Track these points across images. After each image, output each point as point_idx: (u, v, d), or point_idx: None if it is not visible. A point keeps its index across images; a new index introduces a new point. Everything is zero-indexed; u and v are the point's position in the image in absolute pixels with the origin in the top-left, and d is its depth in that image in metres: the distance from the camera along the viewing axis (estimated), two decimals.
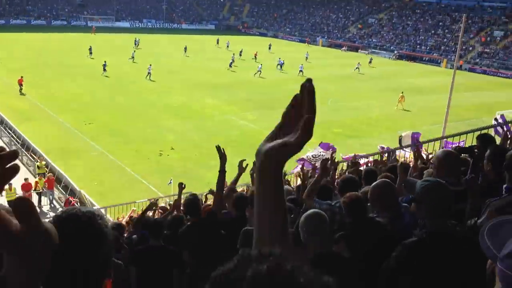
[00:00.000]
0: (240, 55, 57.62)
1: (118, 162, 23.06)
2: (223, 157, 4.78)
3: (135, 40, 63.93)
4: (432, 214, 3.08)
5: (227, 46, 66.58)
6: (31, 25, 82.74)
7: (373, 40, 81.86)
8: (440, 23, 78.64)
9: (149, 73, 42.05)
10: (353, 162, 10.12)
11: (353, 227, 3.77)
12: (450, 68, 53.55)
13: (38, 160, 21.73)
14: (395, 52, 73.79)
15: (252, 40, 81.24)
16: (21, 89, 34.73)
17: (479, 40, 70.71)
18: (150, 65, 42.67)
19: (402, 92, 37.05)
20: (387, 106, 37.19)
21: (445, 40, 72.87)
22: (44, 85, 35.10)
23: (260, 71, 46.46)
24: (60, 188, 20.27)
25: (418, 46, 75.23)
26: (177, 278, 5.22)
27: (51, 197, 19.86)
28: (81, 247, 1.33)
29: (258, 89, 40.92)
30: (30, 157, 22.99)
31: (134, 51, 55.03)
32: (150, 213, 10.36)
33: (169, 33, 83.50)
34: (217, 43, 69.72)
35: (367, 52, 76.27)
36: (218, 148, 4.79)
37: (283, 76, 47.38)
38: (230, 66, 50.61)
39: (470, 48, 69.35)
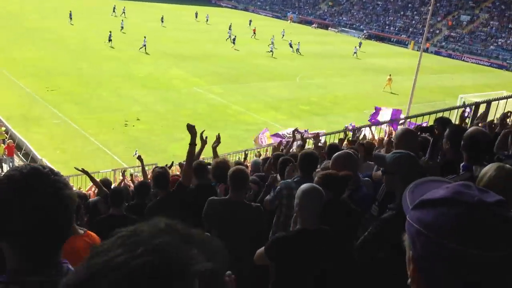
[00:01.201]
0: (230, 29, 54.87)
1: (82, 131, 22.59)
2: (193, 133, 4.74)
3: (123, 9, 61.28)
4: (406, 184, 3.15)
5: (207, 20, 65.07)
6: None
7: (343, 19, 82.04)
8: (410, 5, 79.39)
9: (144, 45, 40.65)
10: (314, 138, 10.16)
11: (326, 208, 3.79)
12: (417, 50, 54.45)
13: None
14: (364, 31, 74.27)
15: (228, 13, 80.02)
16: None
17: (446, 23, 71.94)
18: (145, 37, 41.17)
19: (390, 75, 37.03)
20: (354, 85, 37.64)
21: (413, 22, 73.79)
22: (4, 48, 33.65)
23: (272, 50, 45.78)
24: (20, 156, 19.73)
25: (387, 27, 75.93)
26: None
27: (11, 164, 19.31)
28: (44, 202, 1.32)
29: (225, 63, 40.56)
30: None
31: (122, 20, 52.80)
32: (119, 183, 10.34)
33: (138, 0, 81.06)
34: (196, 16, 67.22)
35: (336, 30, 76.49)
36: (188, 126, 4.72)
37: (254, 49, 47.00)
38: (234, 43, 48.41)
39: (437, 31, 70.52)
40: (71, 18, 50.93)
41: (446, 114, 10.09)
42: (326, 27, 78.46)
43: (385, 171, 3.34)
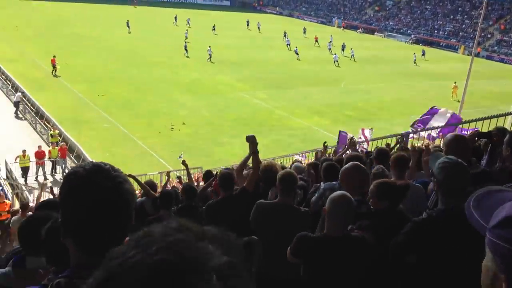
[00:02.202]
0: (285, 37, 55.12)
1: (130, 135, 23.24)
2: (254, 142, 4.97)
3: (187, 20, 62.25)
4: (444, 192, 3.10)
5: (258, 28, 64.34)
6: None
7: (390, 23, 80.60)
8: (460, 9, 77.06)
9: (210, 55, 41.37)
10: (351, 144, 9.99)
11: (381, 217, 3.69)
12: (468, 55, 52.73)
13: (52, 129, 21.96)
14: (412, 36, 72.66)
15: (274, 19, 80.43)
16: (54, 70, 32.37)
17: (498, 27, 69.32)
18: (210, 46, 42.04)
19: (455, 82, 34.91)
20: (401, 90, 36.86)
21: (463, 26, 71.55)
22: (58, 54, 35.13)
23: (337, 60, 45.31)
24: (72, 158, 20.52)
25: (435, 31, 73.98)
26: None
27: (63, 165, 20.12)
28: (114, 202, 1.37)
29: (270, 69, 40.69)
30: (44, 126, 23.22)
31: (187, 30, 53.32)
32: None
33: (183, 7, 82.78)
34: (248, 25, 66.22)
35: (383, 35, 75.23)
36: (248, 137, 4.97)
37: (299, 55, 46.90)
38: (297, 53, 47.49)
39: (489, 36, 68.07)
40: (128, 27, 52.09)
41: (500, 120, 9.72)
42: (372, 32, 77.33)
43: (433, 174, 3.26)
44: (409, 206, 3.98)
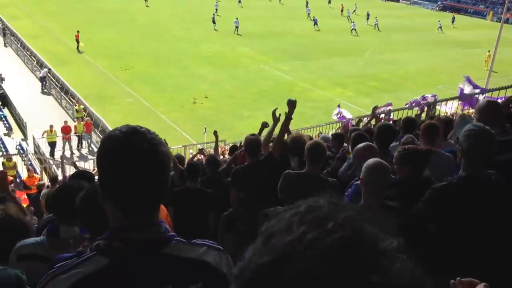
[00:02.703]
0: (307, 7, 53.49)
1: (153, 109, 23.40)
2: (293, 107, 5.27)
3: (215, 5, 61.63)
4: (467, 159, 3.01)
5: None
6: None
7: None
8: None
9: (236, 27, 40.91)
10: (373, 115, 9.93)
11: (407, 185, 3.62)
12: (497, 21, 50.89)
13: (77, 104, 22.28)
14: (439, 2, 70.42)
15: None
16: (78, 46, 32.85)
17: None
18: (237, 18, 41.44)
19: (489, 51, 32.05)
20: (427, 60, 35.98)
21: None
22: (81, 30, 35.31)
23: (354, 28, 44.51)
24: (97, 133, 20.83)
25: None
26: (212, 220, 5.39)
27: (89, 140, 20.47)
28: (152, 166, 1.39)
29: (292, 40, 40.13)
30: (69, 101, 23.57)
31: (217, 2, 51.44)
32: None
33: None
34: None
35: (409, 2, 73.10)
36: (290, 101, 5.27)
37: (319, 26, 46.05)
38: (316, 23, 46.52)
39: None
40: (146, 0, 51.58)
41: None
42: None
43: (458, 140, 3.17)
44: (439, 175, 3.91)
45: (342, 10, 55.38)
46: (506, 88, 9.67)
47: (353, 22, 45.59)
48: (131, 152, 1.36)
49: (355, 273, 0.61)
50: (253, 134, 5.68)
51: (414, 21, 53.59)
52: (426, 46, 41.20)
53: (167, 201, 5.10)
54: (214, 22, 41.76)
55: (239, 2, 55.86)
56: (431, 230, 3.05)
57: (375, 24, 47.80)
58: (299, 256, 0.63)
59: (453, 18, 53.89)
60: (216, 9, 47.46)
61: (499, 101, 7.39)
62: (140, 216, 1.40)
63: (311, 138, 6.56)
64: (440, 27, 49.27)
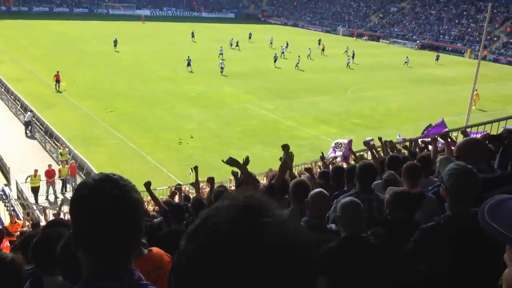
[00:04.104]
0: (287, 47, 55.18)
1: (138, 150, 23.31)
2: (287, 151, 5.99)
3: (192, 33, 61.76)
4: (452, 198, 3.07)
5: (248, 36, 64.31)
6: (54, 12, 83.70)
7: (395, 30, 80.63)
8: (465, 13, 76.97)
9: (222, 68, 41.06)
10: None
11: (397, 227, 3.65)
12: (474, 59, 52.52)
13: (61, 147, 22.09)
14: (417, 42, 72.61)
15: (279, 30, 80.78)
16: (57, 85, 32.70)
17: (504, 30, 69.06)
18: (223, 60, 42.07)
19: (477, 90, 30.74)
20: (408, 97, 36.74)
21: (469, 30, 71.36)
22: (66, 72, 35.48)
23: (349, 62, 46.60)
24: (82, 175, 20.58)
25: (441, 36, 73.85)
26: None
27: (73, 184, 20.18)
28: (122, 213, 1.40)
29: (275, 79, 40.78)
30: (53, 144, 23.38)
31: (221, 47, 50.28)
32: (175, 198, 10.56)
33: (189, 21, 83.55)
34: (250, 37, 64.82)
35: (388, 41, 75.24)
36: (284, 146, 6.04)
37: (304, 66, 46.96)
38: (282, 56, 49.90)
39: (495, 39, 67.81)
40: (115, 45, 50.23)
41: (509, 122, 9.63)
42: (377, 39, 77.41)
43: (442, 180, 3.21)
44: (424, 215, 3.93)
45: (323, 50, 56.74)
46: (485, 124, 9.86)
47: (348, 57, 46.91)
48: (102, 198, 1.37)
49: (252, 217, 0.88)
50: (222, 186, 5.77)
51: (394, 59, 55.00)
52: (406, 83, 42.20)
53: (154, 244, 5.00)
54: (222, 67, 41.30)
55: (237, 45, 56.67)
56: (422, 269, 3.07)
57: (347, 62, 48.73)
58: (218, 215, 0.90)
59: (437, 56, 55.82)
60: (221, 53, 47.42)
61: (478, 135, 7.52)
62: (112, 263, 1.40)
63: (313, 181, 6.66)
64: (407, 62, 51.09)
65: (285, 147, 6.10)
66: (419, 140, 13.44)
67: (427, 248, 3.07)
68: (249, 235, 0.85)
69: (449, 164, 3.21)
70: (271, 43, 57.84)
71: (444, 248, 2.99)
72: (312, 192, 4.03)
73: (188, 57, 41.70)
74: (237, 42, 57.25)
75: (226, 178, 15.97)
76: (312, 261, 0.91)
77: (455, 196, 3.05)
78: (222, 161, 5.37)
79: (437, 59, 55.17)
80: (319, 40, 61.89)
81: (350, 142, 16.51)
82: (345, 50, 54.08)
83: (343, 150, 15.29)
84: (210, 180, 7.36)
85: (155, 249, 3.83)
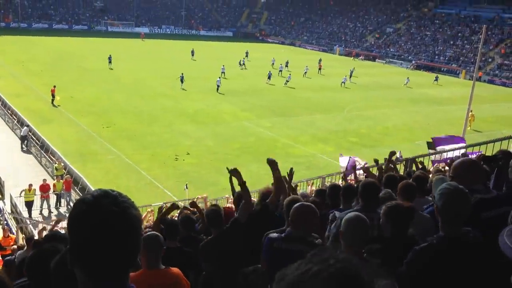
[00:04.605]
0: (287, 65, 56.16)
1: (135, 166, 23.28)
2: (275, 168, 5.52)
3: (192, 51, 62.06)
4: (444, 219, 3.10)
5: (246, 55, 63.84)
6: (53, 29, 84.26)
7: (391, 50, 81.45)
8: (459, 34, 77.93)
9: (218, 86, 41.15)
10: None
11: (394, 243, 3.64)
12: (469, 79, 53.08)
13: (57, 162, 22.05)
14: (413, 62, 73.33)
15: (277, 49, 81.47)
16: (53, 100, 33.16)
17: (499, 51, 69.88)
18: (219, 78, 42.18)
19: (472, 111, 31.12)
20: (405, 116, 36.96)
21: (464, 51, 72.20)
22: (64, 88, 35.59)
23: (288, 80, 46.43)
24: (77, 190, 20.51)
25: (436, 57, 74.62)
26: (193, 280, 5.25)
27: (68, 198, 20.10)
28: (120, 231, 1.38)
29: (273, 97, 41.00)
30: (49, 159, 23.33)
31: (223, 65, 50.23)
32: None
33: (188, 39, 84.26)
34: (246, 56, 63.80)
35: (384, 61, 75.96)
36: (269, 161, 5.54)
37: (305, 84, 47.26)
38: (279, 74, 50.87)
39: (490, 60, 68.56)
40: (110, 62, 49.82)
41: (504, 144, 9.69)
42: (373, 58, 78.15)
43: (434, 202, 3.26)
44: (420, 234, 3.94)
45: (320, 69, 57.17)
46: (480, 144, 9.92)
47: (344, 77, 47.76)
48: (100, 215, 1.36)
49: None
50: (214, 205, 5.72)
51: (390, 79, 55.47)
52: (402, 102, 42.50)
53: None
54: (182, 81, 41.23)
55: (243, 64, 57.06)
56: None
57: (343, 82, 49.01)
58: (306, 284, 0.81)
59: (436, 77, 56.36)
60: (223, 72, 47.76)
61: (473, 156, 7.57)
62: (109, 280, 1.39)
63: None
64: (407, 82, 51.59)
65: (271, 163, 5.55)
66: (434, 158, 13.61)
67: (419, 270, 3.06)
68: None
69: (442, 184, 3.25)
70: (272, 63, 57.56)
71: (437, 269, 3.00)
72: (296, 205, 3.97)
73: (182, 74, 41.73)
74: (243, 60, 57.76)
75: (222, 195, 15.93)
76: None
77: (446, 216, 3.08)
78: (227, 168, 5.36)
79: (436, 80, 55.79)
80: (320, 60, 61.76)
81: (353, 161, 16.59)
82: (350, 72, 53.72)
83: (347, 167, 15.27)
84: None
85: (174, 269, 3.92)
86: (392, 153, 8.81)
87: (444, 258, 2.99)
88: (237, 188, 6.28)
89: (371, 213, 4.61)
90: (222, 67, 48.74)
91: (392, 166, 9.38)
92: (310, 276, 0.83)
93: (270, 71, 48.91)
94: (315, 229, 4.07)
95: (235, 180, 5.63)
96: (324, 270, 0.83)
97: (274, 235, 4.07)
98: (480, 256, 3.00)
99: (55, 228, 10.96)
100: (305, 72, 52.77)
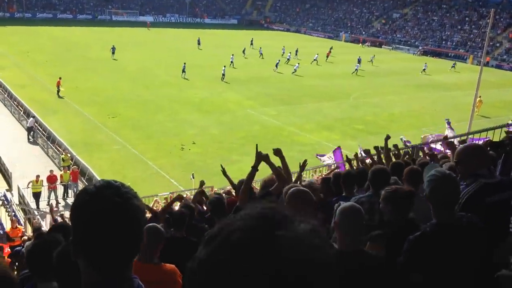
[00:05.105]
0: (296, 54, 55.76)
1: (141, 156, 23.32)
2: (280, 156, 5.58)
3: (198, 40, 61.37)
4: (434, 205, 3.12)
5: (251, 43, 63.09)
6: (57, 18, 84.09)
7: (397, 36, 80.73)
8: (467, 19, 77.05)
9: (223, 74, 40.74)
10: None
11: (394, 228, 3.60)
12: (477, 65, 52.51)
13: (63, 153, 22.13)
14: (420, 47, 72.68)
15: (281, 36, 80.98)
16: (58, 91, 33.05)
17: (507, 36, 69.06)
18: (224, 66, 41.73)
19: (480, 96, 31.39)
20: (411, 102, 36.70)
21: (471, 36, 71.36)
22: (69, 78, 35.59)
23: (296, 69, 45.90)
24: (84, 181, 20.59)
25: (443, 42, 73.91)
26: None
27: (75, 189, 20.18)
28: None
29: (278, 85, 40.82)
30: (56, 150, 23.42)
31: (233, 55, 49.94)
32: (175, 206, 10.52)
33: (192, 27, 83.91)
34: (251, 44, 62.91)
35: (391, 47, 75.30)
36: (276, 151, 5.65)
37: (316, 72, 46.98)
38: (287, 62, 50.49)
39: (498, 45, 67.82)
40: (113, 53, 48.98)
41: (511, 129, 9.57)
42: (379, 45, 77.50)
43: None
44: (421, 219, 3.92)
45: (327, 56, 56.70)
46: (487, 130, 9.81)
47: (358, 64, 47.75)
48: (103, 205, 1.37)
49: (266, 229, 0.87)
50: (217, 194, 5.76)
51: (396, 66, 55.04)
52: (409, 89, 42.17)
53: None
54: (184, 71, 40.83)
55: (244, 52, 56.25)
56: (416, 281, 3.04)
57: (355, 70, 48.66)
58: (233, 225, 0.90)
59: (454, 64, 55.51)
60: (232, 61, 47.44)
61: (480, 142, 7.49)
62: (113, 271, 1.40)
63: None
64: (425, 69, 50.70)
65: (277, 152, 5.73)
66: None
67: (416, 258, 3.07)
68: (262, 246, 0.84)
69: (431, 171, 3.25)
70: (283, 52, 56.43)
71: (432, 256, 3.02)
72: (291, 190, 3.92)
73: (184, 63, 41.38)
74: (258, 49, 57.31)
75: (227, 184, 15.91)
76: (328, 282, 0.88)
77: (436, 203, 3.11)
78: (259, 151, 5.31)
79: (453, 67, 54.57)
80: (331, 48, 60.94)
81: (338, 150, 16.76)
82: (371, 59, 54.07)
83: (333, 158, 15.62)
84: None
85: (169, 266, 3.90)
86: (387, 138, 8.62)
87: (437, 245, 3.02)
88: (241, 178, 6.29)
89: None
90: (232, 56, 48.46)
91: (396, 151, 9.31)
92: (237, 218, 0.92)
93: (279, 60, 48.53)
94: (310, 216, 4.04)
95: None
96: (250, 214, 0.92)
97: None
98: (475, 240, 3.03)
99: (55, 216, 11.03)
100: (315, 60, 52.36)
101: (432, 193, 3.09)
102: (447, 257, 2.99)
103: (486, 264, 3.07)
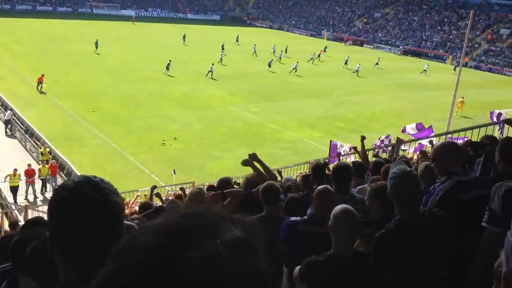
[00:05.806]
0: (286, 52, 55.84)
1: (121, 151, 23.11)
2: (257, 161, 5.63)
3: (184, 36, 61.01)
4: (396, 202, 3.23)
5: (237, 40, 63.51)
6: (37, 10, 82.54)
7: (379, 35, 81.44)
8: (446, 19, 78.14)
9: (210, 71, 40.16)
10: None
11: (382, 224, 3.64)
12: (456, 65, 53.33)
13: (42, 147, 21.78)
14: (400, 47, 73.45)
15: (265, 33, 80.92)
16: (40, 87, 32.10)
17: (485, 37, 70.29)
18: (213, 64, 41.15)
19: (463, 97, 33.24)
20: (392, 101, 37.12)
21: (451, 36, 72.42)
22: (48, 71, 35.00)
23: (296, 68, 45.63)
24: (63, 175, 20.30)
25: (423, 42, 74.82)
26: None
27: (53, 183, 19.90)
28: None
29: (261, 82, 40.84)
30: (34, 144, 23.04)
31: (222, 50, 50.83)
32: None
33: (174, 22, 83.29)
34: (237, 40, 63.46)
35: (372, 47, 75.95)
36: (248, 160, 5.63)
37: (287, 69, 47.07)
38: (279, 60, 50.48)
39: (476, 46, 68.96)
40: (96, 47, 48.38)
41: (489, 129, 9.78)
42: (361, 44, 78.09)
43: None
44: None
45: (319, 55, 56.68)
46: (465, 130, 9.99)
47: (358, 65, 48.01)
48: (81, 201, 1.35)
49: (173, 249, 0.73)
50: (226, 177, 5.75)
51: (377, 65, 55.51)
52: (390, 88, 42.64)
53: None
54: (168, 68, 40.24)
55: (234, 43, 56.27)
56: (389, 277, 3.13)
57: (345, 65, 48.93)
58: (142, 236, 0.77)
59: (425, 69, 56.06)
60: (221, 58, 47.27)
61: (460, 141, 7.62)
62: (91, 268, 1.37)
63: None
64: (425, 70, 51.67)
65: (253, 157, 5.64)
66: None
67: (382, 255, 3.17)
68: (164, 272, 0.71)
69: (393, 169, 3.32)
70: (273, 51, 56.07)
71: (396, 251, 3.12)
72: (318, 188, 4.11)
73: (169, 61, 40.84)
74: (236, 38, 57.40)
75: (208, 180, 15.90)
76: None
77: (397, 200, 3.21)
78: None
79: (424, 71, 53.67)
80: (325, 47, 61.25)
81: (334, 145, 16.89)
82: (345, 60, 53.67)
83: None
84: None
85: None
86: (363, 138, 8.70)
87: (400, 240, 3.12)
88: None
89: (344, 196, 4.55)
90: (221, 53, 48.31)
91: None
92: (145, 231, 0.80)
93: (271, 59, 48.35)
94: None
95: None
96: (162, 225, 0.80)
97: (296, 218, 4.11)
98: (437, 233, 3.16)
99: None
100: (312, 59, 52.58)
101: (394, 190, 3.18)
102: (410, 251, 3.09)
103: (453, 254, 3.20)
